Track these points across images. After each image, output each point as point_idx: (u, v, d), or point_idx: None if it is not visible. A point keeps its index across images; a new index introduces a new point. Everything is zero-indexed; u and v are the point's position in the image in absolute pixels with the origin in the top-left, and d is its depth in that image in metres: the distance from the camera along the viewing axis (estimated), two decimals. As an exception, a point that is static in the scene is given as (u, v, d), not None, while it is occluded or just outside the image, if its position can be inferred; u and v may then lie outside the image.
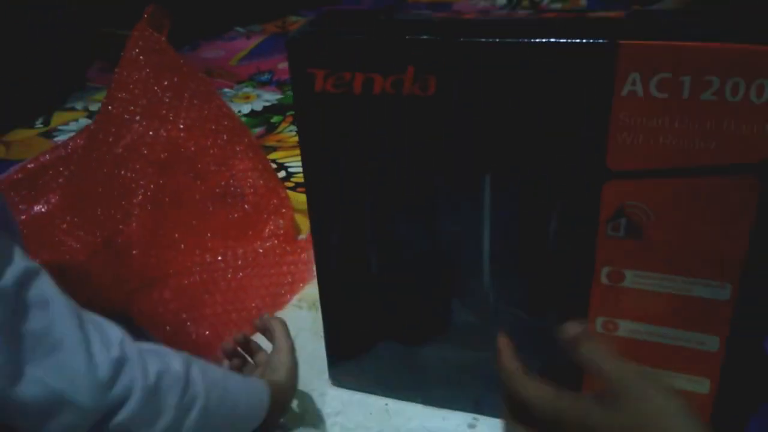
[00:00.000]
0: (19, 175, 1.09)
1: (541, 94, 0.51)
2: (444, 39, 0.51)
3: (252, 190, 1.00)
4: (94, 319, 0.48)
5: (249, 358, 0.69)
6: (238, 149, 1.01)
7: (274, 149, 1.35)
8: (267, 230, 0.98)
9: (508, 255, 0.60)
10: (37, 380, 0.42)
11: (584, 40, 0.48)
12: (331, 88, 0.55)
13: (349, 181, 0.61)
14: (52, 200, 1.06)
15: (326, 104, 0.56)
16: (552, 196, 0.55)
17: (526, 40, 0.49)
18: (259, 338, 0.72)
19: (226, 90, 1.68)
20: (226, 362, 0.68)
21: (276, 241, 0.97)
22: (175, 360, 0.51)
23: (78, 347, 0.44)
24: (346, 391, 0.74)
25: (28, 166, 1.10)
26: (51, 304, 0.44)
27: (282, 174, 1.24)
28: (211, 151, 0.99)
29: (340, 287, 0.68)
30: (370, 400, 0.73)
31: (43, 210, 1.05)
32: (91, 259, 0.89)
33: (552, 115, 0.52)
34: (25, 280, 0.44)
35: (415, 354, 0.69)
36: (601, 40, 0.47)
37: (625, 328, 0.58)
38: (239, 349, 0.69)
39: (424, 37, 0.52)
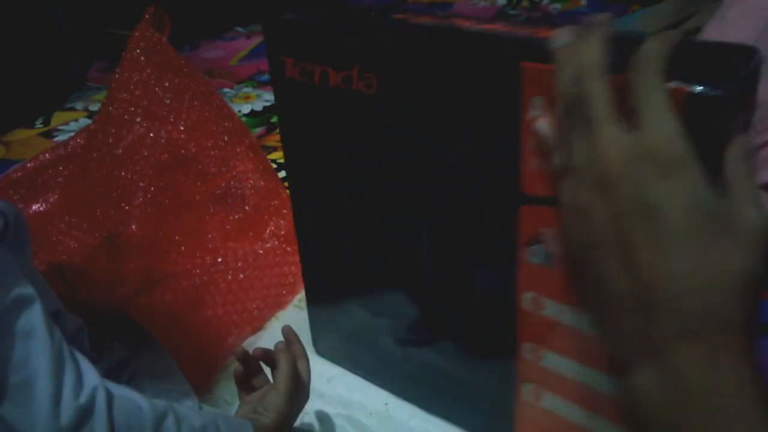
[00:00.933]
0: (19, 174, 1.09)
1: (459, 109, 0.49)
2: (381, 40, 0.52)
3: (253, 191, 1.00)
4: (75, 357, 0.47)
5: (265, 372, 0.67)
6: (239, 150, 1.01)
7: (274, 149, 1.35)
8: (268, 231, 0.98)
9: (441, 268, 0.59)
10: (1, 418, 0.41)
11: (488, 56, 0.45)
12: (297, 77, 0.58)
13: (319, 168, 0.64)
14: (51, 200, 1.06)
15: (294, 91, 0.59)
16: (475, 213, 0.53)
17: (435, 48, 0.48)
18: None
19: (226, 90, 1.68)
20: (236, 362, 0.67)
21: (277, 242, 0.97)
22: (148, 411, 0.49)
23: (47, 388, 0.43)
24: (346, 392, 0.75)
25: (28, 165, 1.10)
26: (33, 337, 0.44)
27: (282, 174, 1.24)
28: (212, 153, 0.99)
29: (318, 264, 0.72)
30: (370, 400, 0.73)
31: (41, 209, 1.05)
32: (90, 259, 0.89)
33: (469, 132, 0.50)
34: (15, 307, 0.43)
35: (382, 344, 0.70)
36: (503, 58, 0.44)
37: (550, 359, 0.54)
38: (253, 360, 0.67)
39: (369, 36, 0.52)
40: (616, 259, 0.31)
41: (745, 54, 0.37)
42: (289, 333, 0.69)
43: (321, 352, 0.78)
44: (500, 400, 0.61)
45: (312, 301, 0.77)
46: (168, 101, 0.97)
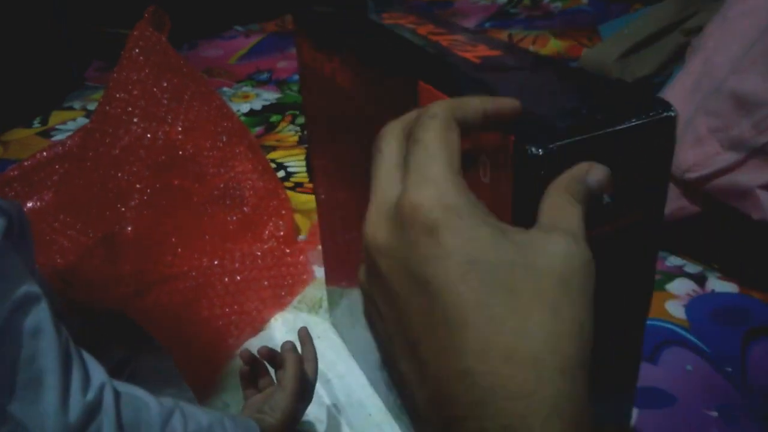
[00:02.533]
0: (15, 172, 1.08)
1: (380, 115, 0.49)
2: (349, 42, 0.53)
3: (252, 191, 0.99)
4: (82, 355, 0.47)
5: (270, 372, 0.67)
6: (237, 150, 1.00)
7: (274, 149, 1.34)
8: (266, 232, 0.98)
9: None
10: (10, 416, 0.41)
11: (394, 72, 0.46)
12: (309, 61, 0.64)
13: (327, 147, 0.69)
14: (46, 197, 1.05)
15: (306, 69, 0.66)
16: None
17: (369, 58, 0.50)
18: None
19: (225, 89, 1.68)
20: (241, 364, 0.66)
21: (275, 243, 0.96)
22: (155, 409, 0.49)
23: (55, 385, 0.43)
24: (346, 392, 0.74)
25: (25, 163, 1.10)
26: (41, 335, 0.44)
27: (281, 174, 1.23)
28: (211, 153, 0.98)
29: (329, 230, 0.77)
30: (370, 400, 0.73)
31: (36, 206, 1.04)
32: (84, 260, 0.89)
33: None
34: (22, 306, 0.43)
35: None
36: (404, 75, 0.44)
37: None
38: (259, 360, 0.66)
39: (341, 37, 0.55)
40: (411, 372, 0.24)
41: (637, 113, 0.33)
42: (304, 335, 0.69)
43: (334, 323, 0.85)
44: None
45: (328, 269, 0.82)
46: (166, 101, 0.96)
